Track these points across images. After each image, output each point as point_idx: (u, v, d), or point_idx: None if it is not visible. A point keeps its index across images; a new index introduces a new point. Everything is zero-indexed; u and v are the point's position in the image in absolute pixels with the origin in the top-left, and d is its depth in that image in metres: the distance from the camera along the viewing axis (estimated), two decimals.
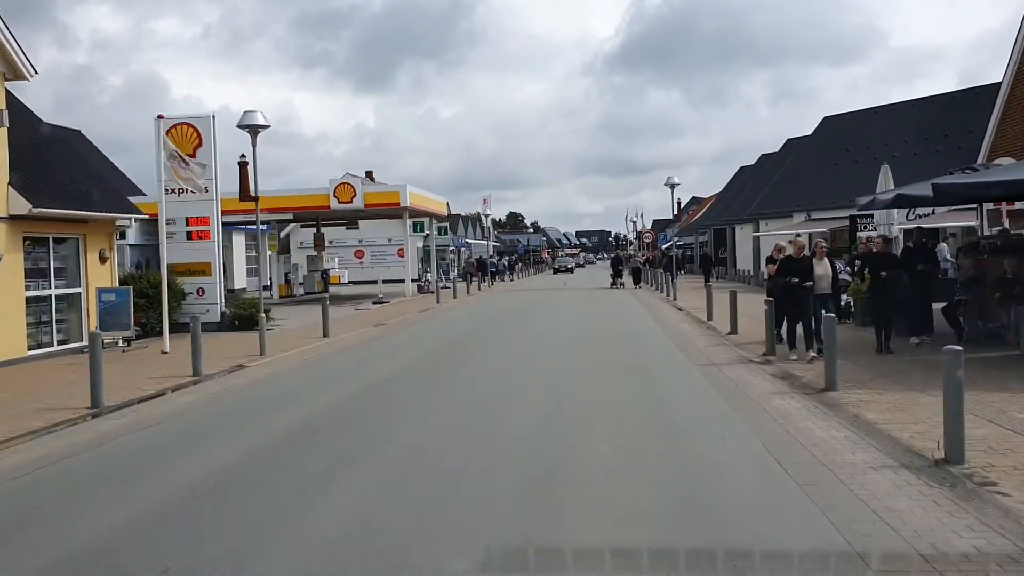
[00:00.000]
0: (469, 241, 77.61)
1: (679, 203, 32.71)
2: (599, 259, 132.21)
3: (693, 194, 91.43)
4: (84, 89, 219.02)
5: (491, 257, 61.90)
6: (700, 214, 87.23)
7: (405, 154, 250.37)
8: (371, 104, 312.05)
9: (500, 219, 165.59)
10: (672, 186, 30.35)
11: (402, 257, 63.09)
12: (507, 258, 71.90)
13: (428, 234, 44.43)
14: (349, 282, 59.07)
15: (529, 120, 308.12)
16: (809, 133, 44.75)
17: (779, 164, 47.04)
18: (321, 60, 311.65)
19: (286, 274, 39.42)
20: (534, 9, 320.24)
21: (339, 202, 35.94)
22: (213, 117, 22.19)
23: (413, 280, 41.16)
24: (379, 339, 19.86)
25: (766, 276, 15.22)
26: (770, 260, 15.18)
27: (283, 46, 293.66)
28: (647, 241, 53.22)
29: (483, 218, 57.08)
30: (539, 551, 5.20)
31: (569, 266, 78.44)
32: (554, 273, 73.58)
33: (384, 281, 46.26)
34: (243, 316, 22.07)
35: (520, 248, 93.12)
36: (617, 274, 45.63)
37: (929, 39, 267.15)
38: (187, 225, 22.36)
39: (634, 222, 60.87)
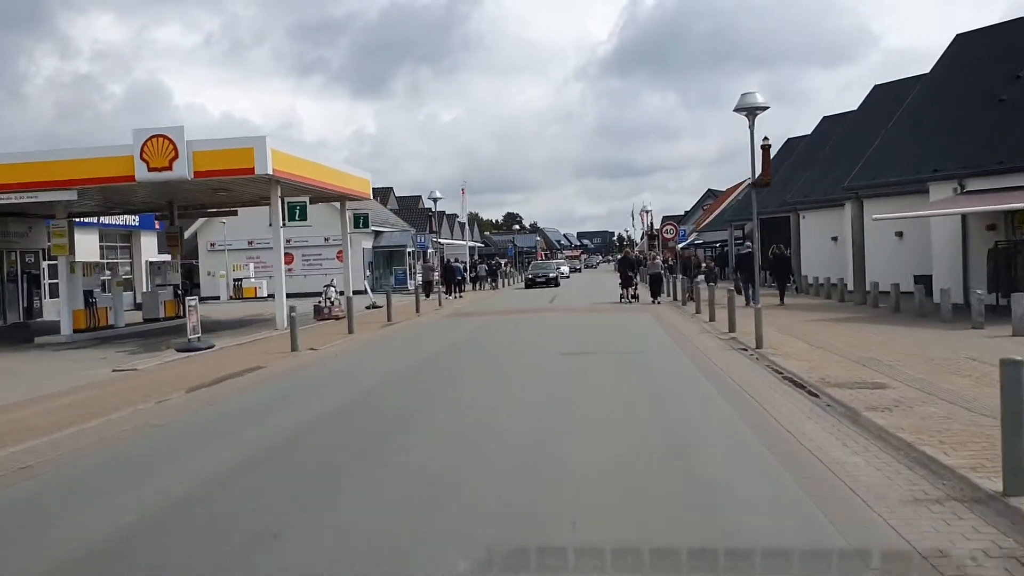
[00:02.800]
0: (442, 242, 61.41)
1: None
2: (602, 262, 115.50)
3: (690, 197, 75.38)
4: (86, 98, 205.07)
5: (457, 262, 45.98)
6: (722, 207, 71.18)
7: (406, 159, 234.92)
8: (371, 110, 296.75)
9: (497, 220, 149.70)
10: (752, 111, 14.21)
11: (342, 261, 47.32)
12: (488, 262, 55.60)
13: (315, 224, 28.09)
14: (269, 295, 43.28)
15: (528, 124, 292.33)
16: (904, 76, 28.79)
17: (869, 120, 30.89)
18: (321, 66, 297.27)
19: (87, 293, 23.32)
20: (531, 14, 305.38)
21: (150, 168, 20.00)
22: None
23: (297, 296, 25.12)
24: None
25: None
26: None
27: (283, 53, 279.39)
28: (667, 237, 37.11)
29: (431, 206, 40.38)
30: (541, 550, 4.84)
31: (550, 275, 46.06)
32: (527, 286, 45.35)
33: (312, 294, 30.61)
34: None
35: (510, 250, 76.96)
36: (627, 282, 29.66)
37: (922, 40, 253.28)
38: None
39: (647, 212, 44.80)
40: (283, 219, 21.93)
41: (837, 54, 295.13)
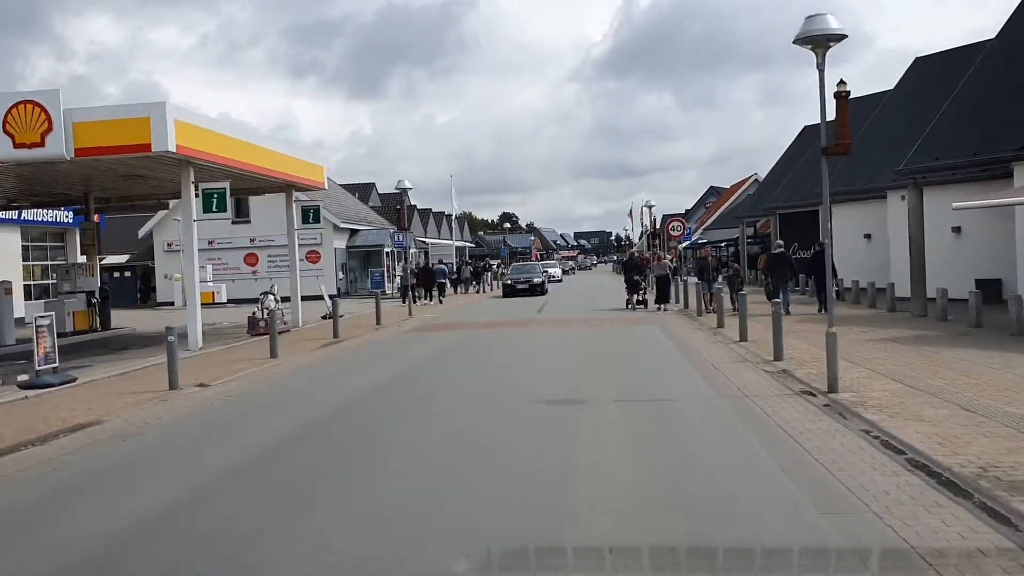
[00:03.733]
0: (428, 241, 56.67)
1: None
2: (598, 263, 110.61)
3: (687, 197, 70.50)
4: (82, 99, 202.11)
5: (441, 263, 41.39)
6: (727, 204, 66.52)
7: (403, 160, 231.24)
8: (367, 111, 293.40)
9: (493, 220, 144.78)
10: (822, 42, 9.51)
11: (316, 263, 42.63)
12: (475, 263, 50.84)
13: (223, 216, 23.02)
14: (229, 301, 38.62)
15: (525, 125, 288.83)
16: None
17: (911, 97, 26.33)
18: (317, 68, 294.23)
19: None
20: (526, 15, 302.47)
21: (16, 144, 15.30)
22: None
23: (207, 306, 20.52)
24: None
25: None
26: None
27: (280, 55, 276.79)
28: (674, 235, 32.44)
29: (415, 200, 35.92)
30: (540, 550, 4.77)
31: (535, 280, 35.30)
32: (505, 295, 35.09)
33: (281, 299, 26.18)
34: None
35: (503, 250, 72.19)
36: (634, 287, 25.41)
37: (916, 40, 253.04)
38: None
39: (650, 208, 39.95)
40: (196, 209, 17.22)
41: (831, 55, 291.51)
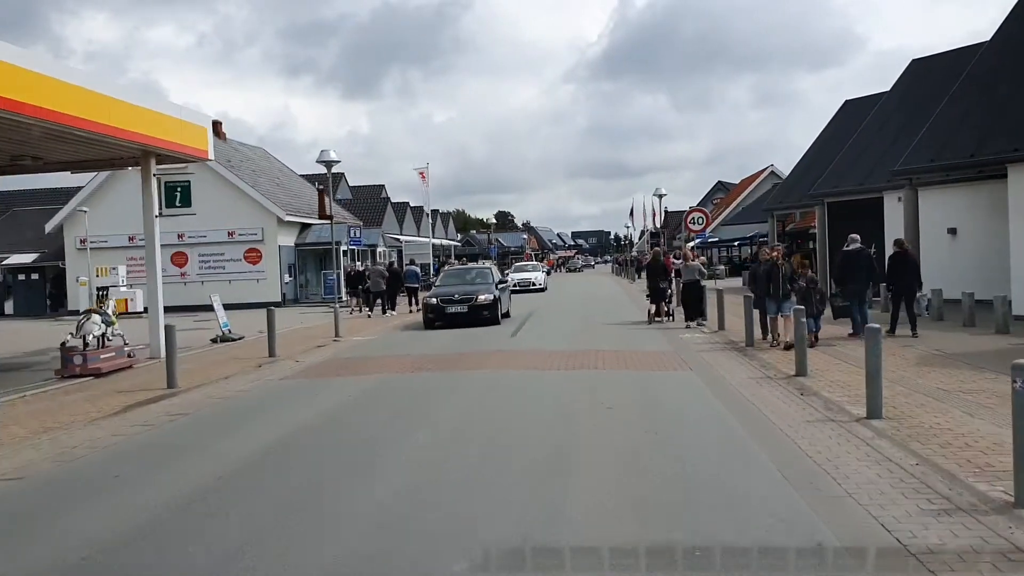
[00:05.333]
0: (400, 239, 49.31)
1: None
2: (589, 264, 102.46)
3: (684, 197, 63.52)
4: None
5: (410, 265, 34.31)
6: (739, 200, 59.31)
7: (398, 159, 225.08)
8: (363, 110, 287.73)
9: (488, 219, 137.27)
10: None
11: (256, 264, 35.33)
12: (447, 264, 43.46)
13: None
14: (146, 309, 31.28)
15: (521, 125, 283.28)
16: None
17: None
18: (313, 67, 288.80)
19: None
20: (522, 16, 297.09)
21: None
22: None
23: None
24: None
25: None
26: None
27: (276, 54, 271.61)
28: (694, 229, 25.30)
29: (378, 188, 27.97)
30: (536, 550, 4.58)
31: (480, 300, 19.70)
32: (427, 326, 19.77)
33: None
34: None
35: (492, 249, 64.92)
36: (658, 295, 19.07)
37: (911, 42, 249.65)
38: None
39: (660, 198, 32.76)
40: None
41: (825, 56, 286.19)
